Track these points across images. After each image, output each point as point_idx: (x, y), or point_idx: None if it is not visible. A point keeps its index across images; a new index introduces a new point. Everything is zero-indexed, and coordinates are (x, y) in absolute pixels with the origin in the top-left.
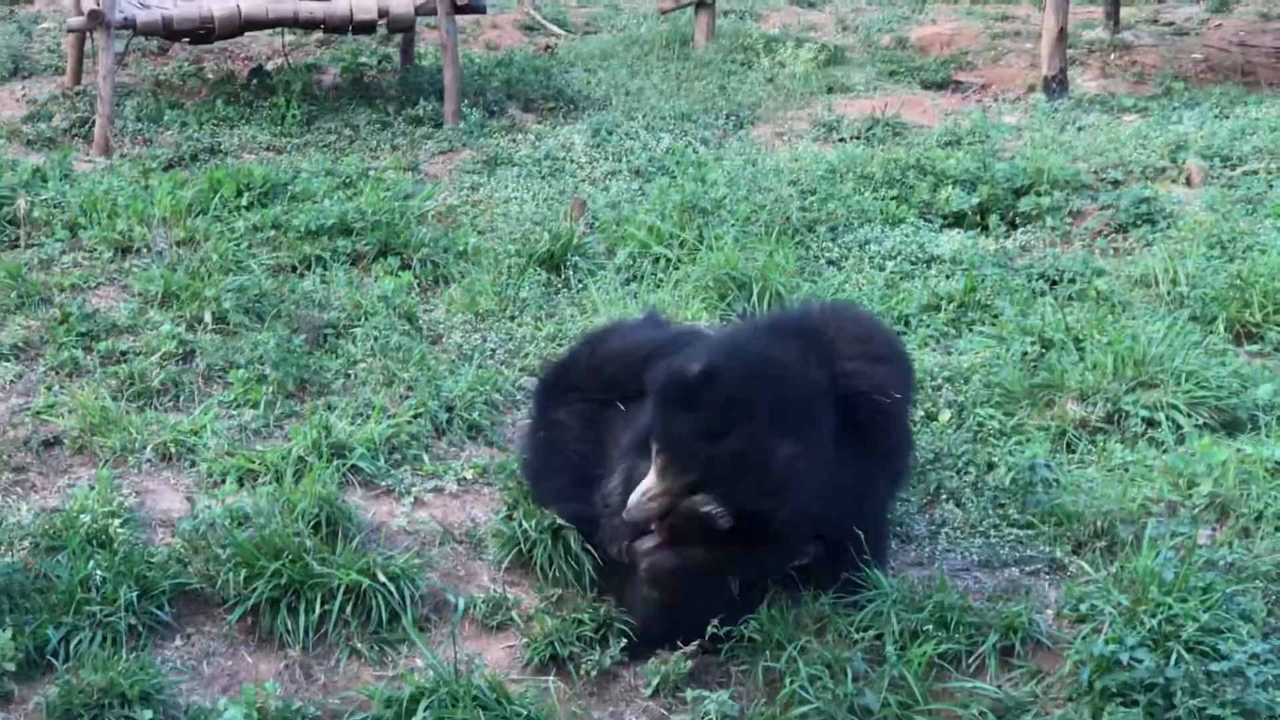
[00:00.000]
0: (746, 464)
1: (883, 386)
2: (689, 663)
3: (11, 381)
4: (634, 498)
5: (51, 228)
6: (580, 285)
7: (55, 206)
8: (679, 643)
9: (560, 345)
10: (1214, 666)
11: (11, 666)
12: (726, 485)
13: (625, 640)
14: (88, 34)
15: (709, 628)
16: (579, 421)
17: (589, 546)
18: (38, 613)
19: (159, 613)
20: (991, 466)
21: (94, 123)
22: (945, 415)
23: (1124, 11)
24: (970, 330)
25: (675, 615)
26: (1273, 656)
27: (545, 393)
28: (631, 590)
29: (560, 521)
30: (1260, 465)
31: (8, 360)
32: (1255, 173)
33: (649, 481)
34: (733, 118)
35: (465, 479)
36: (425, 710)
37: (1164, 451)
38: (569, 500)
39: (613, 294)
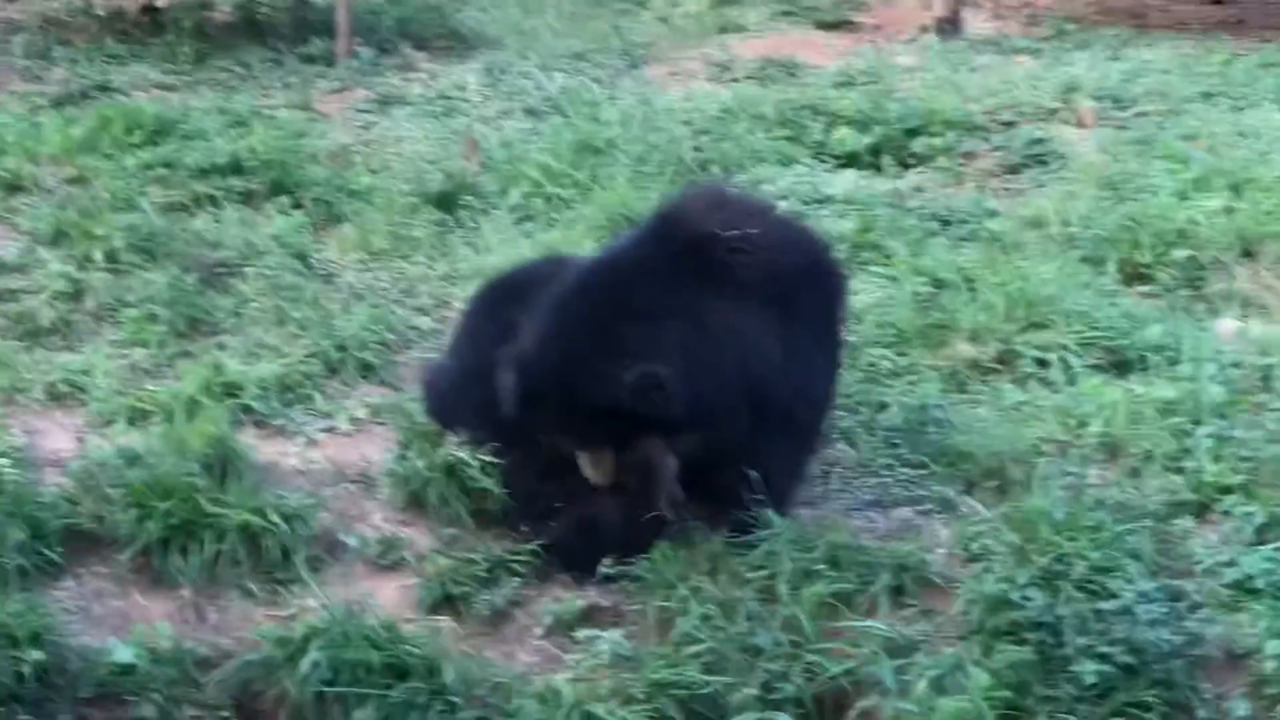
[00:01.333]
0: (611, 409)
1: (725, 227)
2: (582, 602)
3: None
4: (593, 480)
5: None
6: (473, 225)
7: None
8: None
9: (454, 284)
10: (1103, 605)
11: None
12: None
13: (518, 580)
14: None
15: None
16: None
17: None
18: None
19: (49, 553)
20: (884, 406)
21: None
22: None
23: None
24: (863, 270)
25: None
26: (1160, 595)
27: (489, 298)
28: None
29: (457, 456)
30: (1149, 405)
31: None
32: (1146, 114)
33: (592, 474)
34: (626, 57)
35: (358, 419)
36: (317, 650)
37: (1055, 392)
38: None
39: (506, 233)
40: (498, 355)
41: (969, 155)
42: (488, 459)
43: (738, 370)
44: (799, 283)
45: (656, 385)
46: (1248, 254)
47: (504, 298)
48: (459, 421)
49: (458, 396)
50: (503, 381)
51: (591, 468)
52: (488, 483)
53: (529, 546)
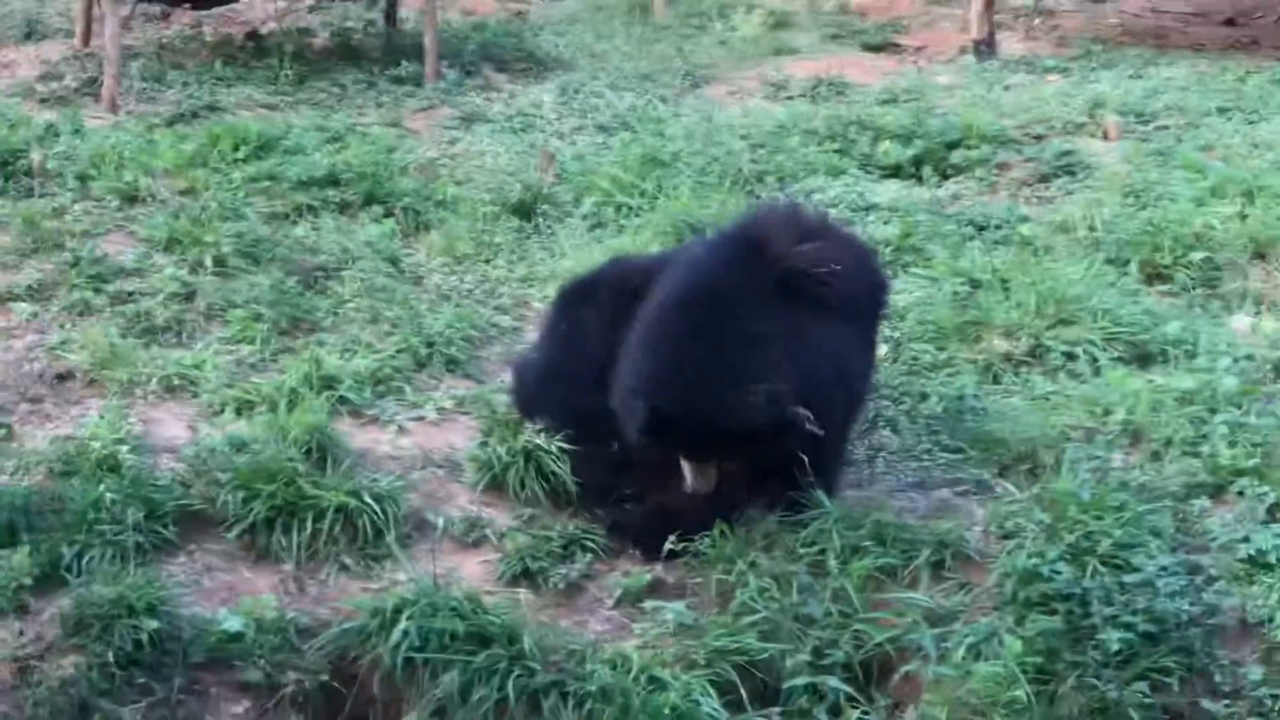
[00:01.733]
0: (741, 430)
1: (813, 260)
2: (649, 575)
3: (28, 320)
4: (695, 489)
5: (63, 179)
6: (549, 231)
7: (67, 159)
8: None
9: (531, 286)
10: (1127, 578)
11: (28, 581)
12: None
13: (590, 556)
14: (95, 1)
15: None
16: (602, 322)
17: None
18: (52, 532)
19: (164, 531)
20: (925, 396)
21: (102, 82)
22: (882, 350)
23: None
24: (905, 272)
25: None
26: (1180, 569)
27: (568, 299)
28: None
29: (535, 443)
30: (1169, 395)
31: (24, 300)
32: (1166, 128)
33: (697, 484)
34: (689, 77)
35: (444, 408)
36: (407, 620)
37: (1082, 383)
38: (583, 391)
39: (579, 239)
40: (608, 375)
41: (1003, 166)
42: (564, 446)
43: (833, 383)
44: (863, 299)
45: (780, 408)
46: (1260, 256)
47: (579, 299)
48: (541, 412)
49: (541, 389)
50: (626, 407)
51: (697, 478)
52: (563, 467)
53: (600, 526)
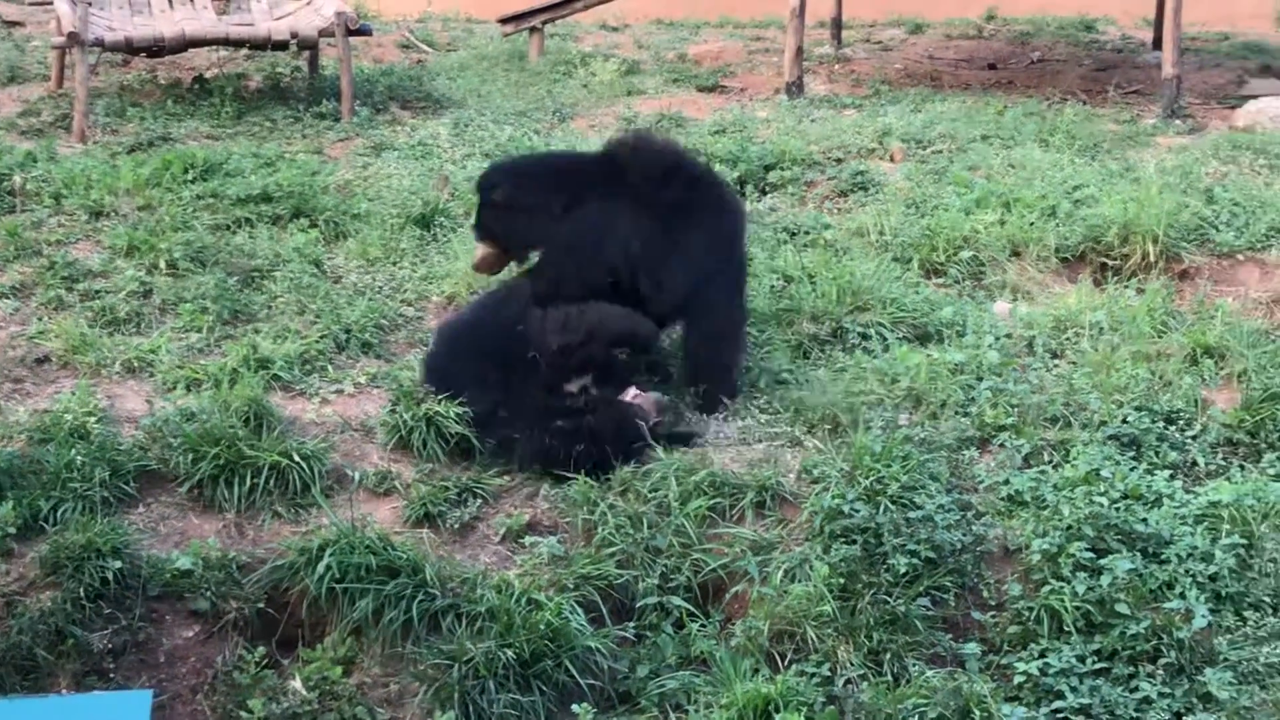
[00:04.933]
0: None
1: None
2: (526, 516)
3: (10, 314)
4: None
5: (40, 197)
6: (445, 239)
7: (43, 181)
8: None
9: (431, 283)
10: (911, 514)
11: (12, 530)
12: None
13: (480, 501)
14: (67, 50)
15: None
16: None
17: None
18: (32, 489)
19: (126, 487)
20: (748, 369)
21: (73, 117)
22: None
23: (845, 33)
24: None
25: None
26: (954, 506)
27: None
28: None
29: (435, 410)
30: (944, 366)
31: (7, 298)
32: (940, 152)
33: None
34: (557, 114)
35: (359, 383)
36: (329, 557)
37: (874, 357)
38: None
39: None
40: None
41: (810, 183)
42: (460, 411)
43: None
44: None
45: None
46: (1016, 254)
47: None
48: (467, 358)
49: (468, 341)
50: None
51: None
52: (458, 428)
53: (488, 476)
